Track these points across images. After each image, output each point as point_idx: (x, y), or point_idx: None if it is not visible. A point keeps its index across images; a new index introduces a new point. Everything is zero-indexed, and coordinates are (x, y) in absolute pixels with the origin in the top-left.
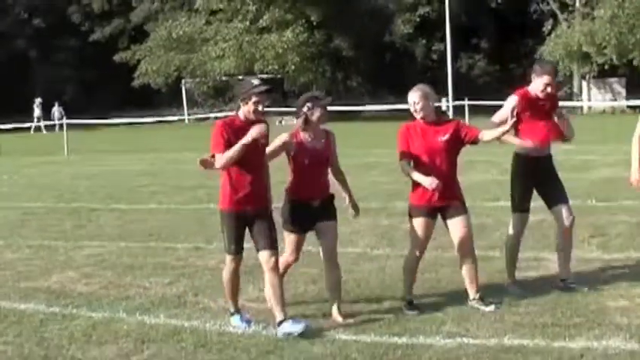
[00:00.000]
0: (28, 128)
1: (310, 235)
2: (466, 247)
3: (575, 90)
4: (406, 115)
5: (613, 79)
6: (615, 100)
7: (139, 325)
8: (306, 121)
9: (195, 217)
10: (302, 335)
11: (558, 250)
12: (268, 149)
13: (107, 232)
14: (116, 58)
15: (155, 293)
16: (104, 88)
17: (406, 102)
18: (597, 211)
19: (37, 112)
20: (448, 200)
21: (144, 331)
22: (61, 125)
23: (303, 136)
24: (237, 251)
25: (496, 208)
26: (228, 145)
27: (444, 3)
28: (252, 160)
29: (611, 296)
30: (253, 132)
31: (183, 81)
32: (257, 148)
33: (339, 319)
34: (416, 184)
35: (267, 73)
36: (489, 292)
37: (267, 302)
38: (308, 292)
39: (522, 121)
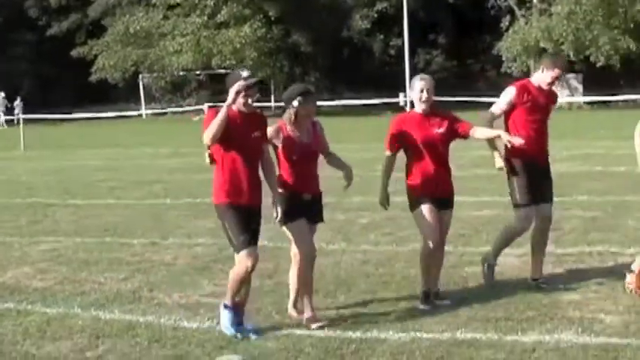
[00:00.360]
0: None
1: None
2: (443, 241)
3: None
4: (365, 110)
5: (570, 75)
6: (572, 96)
7: (93, 320)
8: (296, 116)
9: (152, 212)
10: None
11: (533, 248)
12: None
13: (63, 227)
14: (73, 52)
15: (110, 289)
16: (61, 83)
17: (364, 97)
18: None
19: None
20: (445, 193)
21: (98, 326)
22: (19, 120)
23: (290, 130)
24: (249, 242)
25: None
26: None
27: None
28: (248, 153)
29: (564, 290)
30: (233, 90)
31: (140, 76)
32: (252, 140)
33: (294, 314)
34: (413, 176)
35: (224, 68)
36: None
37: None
38: (264, 286)
39: (516, 113)
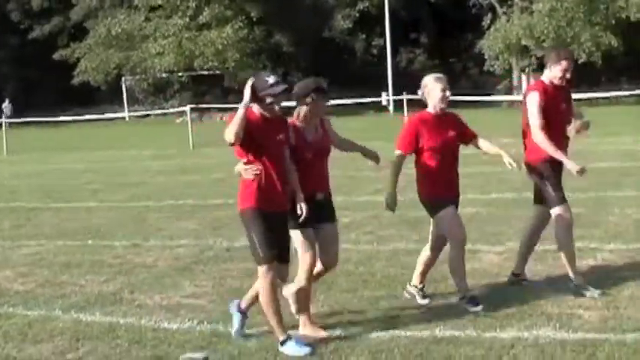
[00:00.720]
0: None
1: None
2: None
3: (515, 83)
4: (347, 110)
5: None
6: None
7: (74, 322)
8: (308, 113)
9: (134, 214)
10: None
11: (523, 245)
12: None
13: (45, 230)
14: (56, 55)
15: (91, 291)
16: (44, 86)
17: (346, 97)
18: (526, 203)
19: None
20: (457, 194)
21: (79, 328)
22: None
23: (302, 127)
24: (273, 257)
25: None
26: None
27: None
28: (275, 157)
29: (543, 287)
30: (248, 92)
31: (123, 78)
32: (277, 143)
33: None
34: (430, 179)
35: (207, 69)
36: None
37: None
38: (245, 286)
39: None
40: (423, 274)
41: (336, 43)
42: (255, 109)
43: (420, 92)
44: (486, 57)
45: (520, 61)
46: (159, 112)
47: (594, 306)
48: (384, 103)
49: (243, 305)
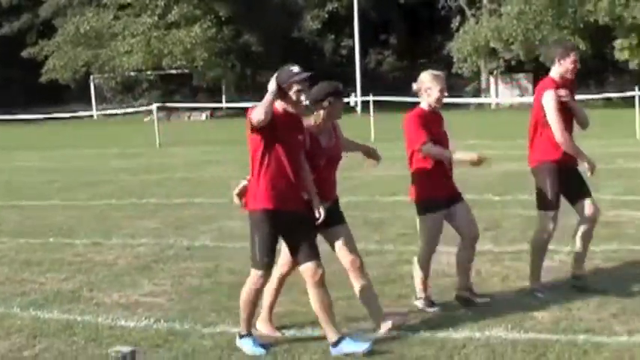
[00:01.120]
0: None
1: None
2: (473, 228)
3: (483, 86)
4: None
5: (520, 75)
6: (522, 95)
7: (32, 320)
8: (328, 117)
9: (96, 213)
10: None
11: (578, 247)
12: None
13: (7, 228)
14: (24, 53)
15: (50, 289)
16: (12, 83)
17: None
18: (494, 204)
19: None
20: (455, 191)
21: (37, 326)
22: None
23: (316, 133)
24: (270, 265)
25: (394, 203)
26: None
27: None
28: (294, 156)
29: (496, 288)
30: (272, 83)
31: (91, 77)
32: (297, 143)
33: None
34: (429, 178)
35: (175, 68)
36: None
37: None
38: (203, 285)
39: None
40: (464, 274)
41: (305, 43)
42: (279, 105)
43: (414, 86)
44: (455, 59)
45: (488, 63)
46: (127, 110)
47: (548, 307)
48: (352, 104)
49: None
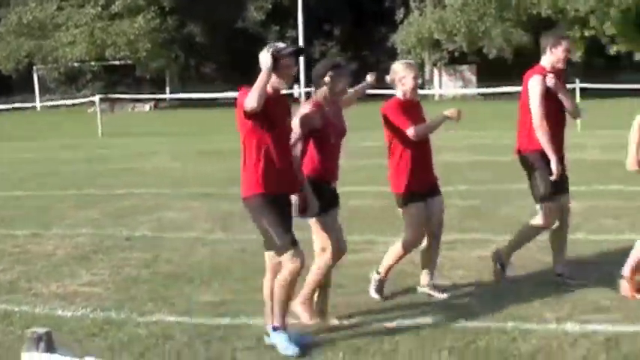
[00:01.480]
0: None
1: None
2: (440, 229)
3: (427, 77)
4: None
5: (464, 67)
6: (466, 87)
7: None
8: (329, 93)
9: (38, 204)
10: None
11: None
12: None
13: None
14: None
15: None
16: None
17: None
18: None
19: None
20: (435, 183)
21: None
22: None
23: (326, 110)
24: (294, 241)
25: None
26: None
27: None
28: (284, 138)
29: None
30: (268, 57)
31: (34, 67)
32: (286, 124)
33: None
34: (410, 168)
35: (119, 59)
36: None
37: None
38: (141, 275)
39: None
40: (427, 265)
41: (249, 34)
42: (269, 86)
43: (387, 78)
44: (399, 50)
45: (432, 54)
46: (70, 101)
47: (480, 294)
48: (296, 95)
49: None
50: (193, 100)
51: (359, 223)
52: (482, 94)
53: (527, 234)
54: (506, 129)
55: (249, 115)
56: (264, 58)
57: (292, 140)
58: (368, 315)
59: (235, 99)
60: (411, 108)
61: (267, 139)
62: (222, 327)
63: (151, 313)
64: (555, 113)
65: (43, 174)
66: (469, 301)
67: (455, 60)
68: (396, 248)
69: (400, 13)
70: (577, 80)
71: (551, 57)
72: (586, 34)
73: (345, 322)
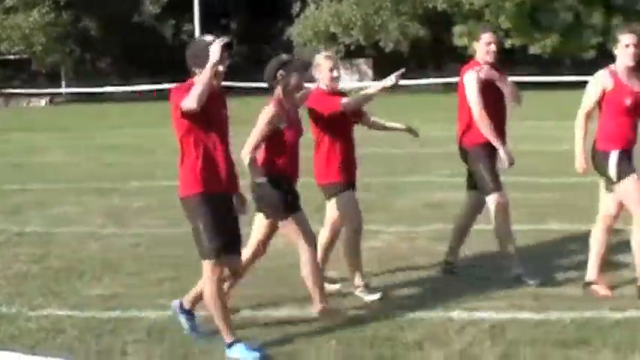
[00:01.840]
0: None
1: (42, 216)
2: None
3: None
4: (158, 95)
5: (360, 60)
6: (362, 80)
7: None
8: (285, 91)
9: None
10: None
11: (458, 230)
12: (254, 136)
13: None
14: None
15: None
16: None
17: (156, 83)
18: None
19: None
20: (355, 176)
21: None
22: None
23: (287, 108)
24: (221, 250)
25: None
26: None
27: None
28: (223, 133)
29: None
30: (216, 49)
31: None
32: (224, 118)
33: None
34: (336, 159)
35: (13, 53)
36: None
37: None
38: (32, 270)
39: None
40: (325, 259)
41: (146, 28)
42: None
43: (312, 71)
44: (295, 44)
45: (328, 48)
46: None
47: (370, 285)
48: None
49: (187, 305)
50: (89, 94)
51: None
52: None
53: (503, 229)
54: (400, 122)
55: (186, 114)
56: (214, 50)
57: (254, 141)
58: (253, 308)
59: (132, 92)
60: (335, 96)
61: (206, 137)
62: (112, 320)
63: (41, 307)
64: (494, 104)
65: None
66: (352, 290)
67: (351, 53)
68: (348, 244)
69: (297, 7)
70: None
71: (478, 51)
72: None
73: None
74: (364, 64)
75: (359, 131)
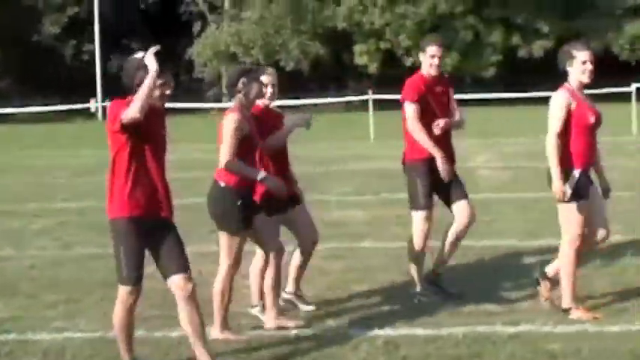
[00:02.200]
0: None
1: None
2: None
3: (224, 90)
4: (57, 117)
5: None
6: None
7: None
8: (246, 100)
9: None
10: None
11: (446, 242)
12: (228, 144)
13: None
14: None
15: None
16: None
17: (56, 104)
18: None
19: None
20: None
21: None
22: None
23: (250, 117)
24: (138, 280)
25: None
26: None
27: (93, 3)
28: (159, 154)
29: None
30: (150, 59)
31: None
32: (162, 138)
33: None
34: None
35: None
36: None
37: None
38: None
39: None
40: (298, 279)
41: (46, 48)
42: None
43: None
44: (196, 64)
45: (229, 68)
46: None
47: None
48: (93, 110)
49: None
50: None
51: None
52: (279, 107)
53: (415, 250)
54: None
55: (125, 127)
56: (151, 61)
57: (230, 149)
58: (149, 329)
59: (32, 114)
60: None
61: (141, 156)
62: (9, 343)
63: None
64: (433, 117)
65: None
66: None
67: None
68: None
69: (197, 26)
70: (370, 92)
71: (423, 64)
72: (382, 46)
73: (96, 334)
74: None
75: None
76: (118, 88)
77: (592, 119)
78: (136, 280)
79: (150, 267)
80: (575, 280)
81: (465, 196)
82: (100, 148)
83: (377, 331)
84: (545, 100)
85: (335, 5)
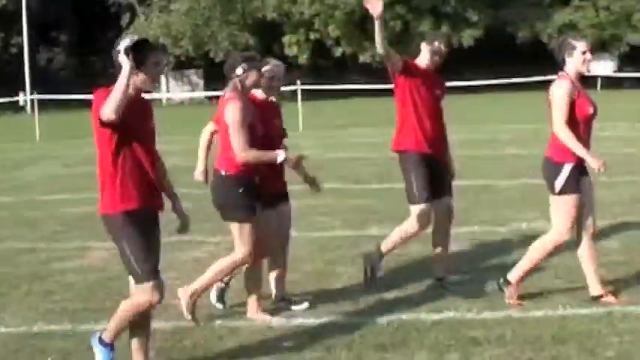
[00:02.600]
0: None
1: None
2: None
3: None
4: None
5: (190, 71)
6: (193, 91)
7: None
8: (243, 87)
9: None
10: None
11: (436, 245)
12: (240, 134)
13: None
14: None
15: None
16: None
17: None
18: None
19: None
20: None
21: None
22: None
23: (251, 104)
24: (155, 270)
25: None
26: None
27: None
28: (147, 146)
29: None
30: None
31: None
32: (150, 130)
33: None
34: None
35: None
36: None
37: None
38: None
39: (404, 92)
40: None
41: None
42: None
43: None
44: None
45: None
46: None
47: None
48: (22, 103)
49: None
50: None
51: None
52: (209, 97)
53: (397, 241)
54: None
55: (105, 124)
56: (123, 60)
57: (242, 137)
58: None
59: None
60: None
61: (128, 149)
62: None
63: None
64: (427, 110)
65: None
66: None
67: (181, 64)
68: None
69: (126, 18)
70: (298, 82)
71: (423, 55)
72: (311, 37)
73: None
74: (194, 75)
75: (183, 145)
76: (48, 81)
77: (591, 110)
78: (153, 273)
79: (77, 260)
80: (530, 270)
81: (448, 193)
82: (29, 141)
83: (300, 320)
84: (475, 89)
85: None
